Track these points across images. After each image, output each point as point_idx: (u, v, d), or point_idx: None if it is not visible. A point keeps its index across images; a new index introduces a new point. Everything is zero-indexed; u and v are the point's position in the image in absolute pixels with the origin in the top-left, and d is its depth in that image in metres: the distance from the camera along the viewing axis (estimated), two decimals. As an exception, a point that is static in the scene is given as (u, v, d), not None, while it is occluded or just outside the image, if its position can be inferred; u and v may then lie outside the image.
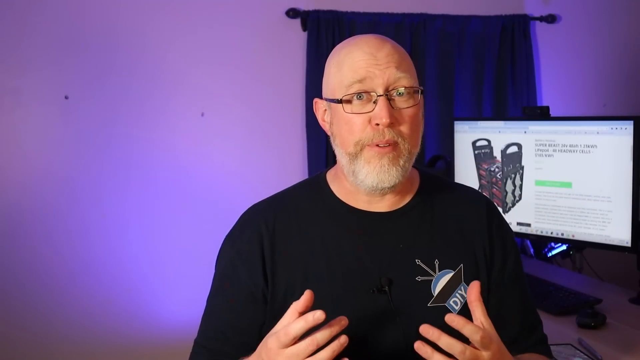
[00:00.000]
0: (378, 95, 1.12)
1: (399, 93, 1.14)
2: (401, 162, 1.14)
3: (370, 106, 1.13)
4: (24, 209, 2.57)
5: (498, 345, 1.02)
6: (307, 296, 0.99)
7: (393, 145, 1.13)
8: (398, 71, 1.13)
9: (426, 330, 0.96)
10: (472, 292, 1.03)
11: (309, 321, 0.96)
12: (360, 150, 1.14)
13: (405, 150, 1.14)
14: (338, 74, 1.17)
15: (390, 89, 1.13)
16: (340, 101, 1.15)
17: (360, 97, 1.14)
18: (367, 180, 1.15)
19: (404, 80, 1.14)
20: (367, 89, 1.13)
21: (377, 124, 1.12)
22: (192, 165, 2.73)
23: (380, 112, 1.11)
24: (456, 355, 0.97)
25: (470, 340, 0.98)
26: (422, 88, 1.17)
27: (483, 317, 1.02)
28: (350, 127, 1.15)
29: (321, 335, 0.97)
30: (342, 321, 0.98)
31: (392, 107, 1.13)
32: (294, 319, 0.99)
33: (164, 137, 2.69)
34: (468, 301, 1.04)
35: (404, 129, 1.14)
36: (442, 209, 1.25)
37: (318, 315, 0.96)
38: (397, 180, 1.14)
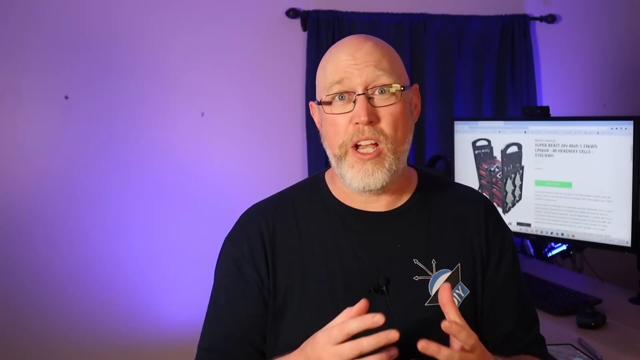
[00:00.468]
0: (357, 95, 1.13)
1: (381, 91, 1.14)
2: (386, 164, 1.14)
3: (350, 106, 1.14)
4: (24, 209, 2.57)
5: (481, 346, 1.02)
6: (362, 305, 0.99)
7: (375, 148, 1.13)
8: (376, 69, 1.13)
9: (425, 346, 0.96)
10: (444, 295, 1.02)
11: (367, 321, 0.96)
12: (345, 153, 1.15)
13: (388, 150, 1.14)
14: (323, 77, 1.18)
15: (369, 87, 1.14)
16: (320, 103, 1.17)
17: (342, 97, 1.15)
18: (353, 183, 1.16)
19: (383, 78, 1.14)
20: (347, 89, 1.14)
21: (357, 123, 1.13)
22: (192, 165, 2.73)
23: (358, 110, 1.12)
24: None
25: (463, 344, 0.98)
26: (402, 86, 1.16)
27: (458, 318, 1.01)
28: (334, 128, 1.16)
29: (367, 342, 0.96)
30: (390, 334, 0.96)
31: (373, 106, 1.13)
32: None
33: (164, 137, 2.69)
34: (440, 303, 1.03)
35: (385, 127, 1.14)
36: (440, 208, 1.25)
37: (377, 318, 0.96)
38: (383, 183, 1.14)
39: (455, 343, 1.00)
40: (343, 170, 1.16)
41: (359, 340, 0.96)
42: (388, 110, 1.14)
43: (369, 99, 1.13)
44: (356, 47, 1.16)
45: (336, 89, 1.15)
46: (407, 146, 1.18)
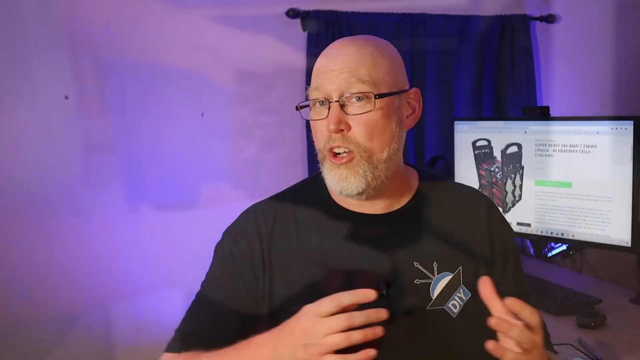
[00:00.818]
0: (330, 102, 1.13)
1: (359, 98, 1.13)
2: (361, 171, 1.13)
3: (326, 112, 1.14)
4: (23, 209, 2.56)
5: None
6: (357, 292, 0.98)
7: (349, 154, 1.13)
8: (351, 77, 1.12)
9: (497, 322, 0.94)
10: (485, 288, 1.00)
11: (357, 296, 0.96)
12: (324, 158, 1.16)
13: (362, 158, 1.13)
14: (311, 81, 1.19)
15: (344, 94, 1.13)
16: (297, 109, 1.19)
17: (322, 103, 1.15)
18: (332, 187, 1.17)
19: (358, 85, 1.12)
20: (324, 95, 1.14)
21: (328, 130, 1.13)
22: (192, 165, 2.73)
23: (328, 118, 1.12)
24: (524, 344, 0.95)
25: (527, 322, 0.96)
26: (377, 94, 1.13)
27: (503, 310, 0.98)
28: (315, 133, 1.18)
29: (358, 317, 0.95)
30: (380, 312, 0.96)
31: (347, 113, 1.13)
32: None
33: (163, 137, 2.69)
34: (482, 297, 1.00)
35: (358, 136, 1.13)
36: (441, 210, 1.25)
37: (370, 294, 0.95)
38: (359, 189, 1.14)
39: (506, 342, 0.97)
40: (324, 174, 1.17)
41: (351, 313, 0.96)
42: (361, 119, 1.13)
43: (344, 106, 1.13)
44: (336, 52, 1.15)
45: (314, 94, 1.15)
46: (387, 155, 1.15)
